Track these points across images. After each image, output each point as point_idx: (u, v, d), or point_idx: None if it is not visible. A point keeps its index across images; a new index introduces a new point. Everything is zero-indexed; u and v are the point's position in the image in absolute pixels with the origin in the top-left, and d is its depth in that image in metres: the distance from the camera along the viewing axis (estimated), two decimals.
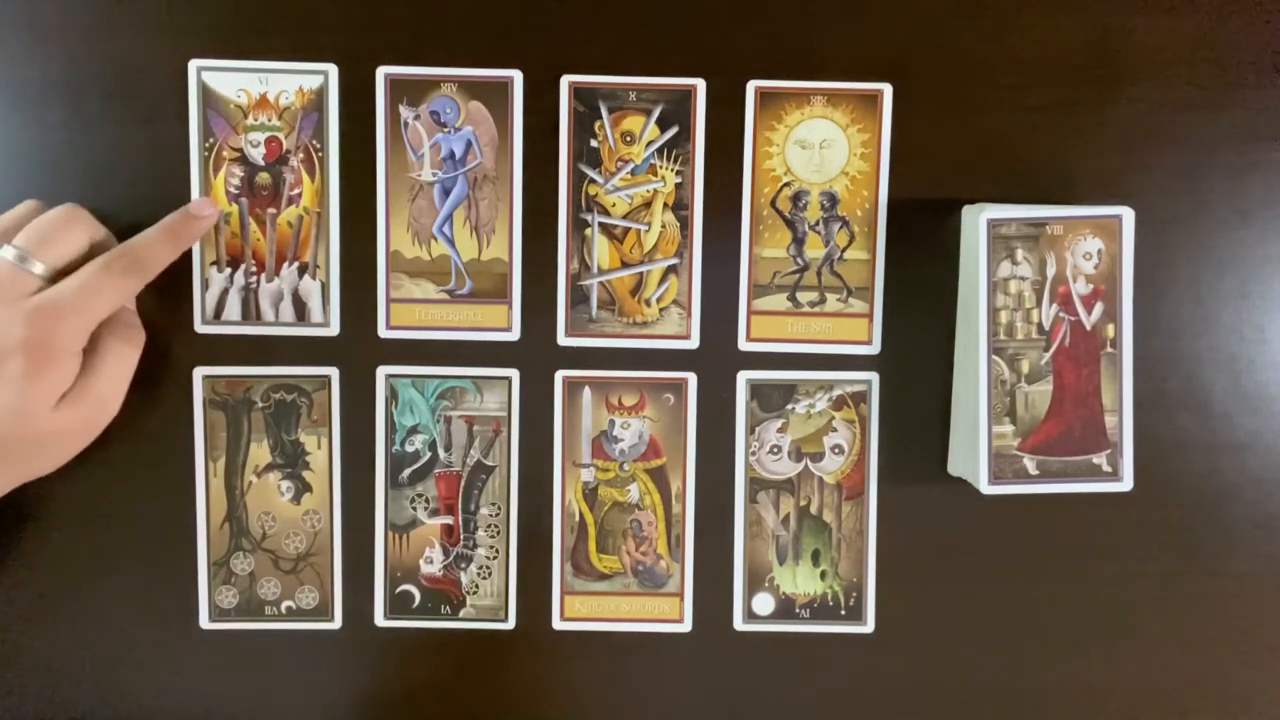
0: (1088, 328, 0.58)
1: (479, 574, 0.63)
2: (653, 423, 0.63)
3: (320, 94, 0.61)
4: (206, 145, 0.61)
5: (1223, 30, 0.61)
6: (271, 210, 0.61)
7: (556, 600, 0.63)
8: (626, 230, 0.62)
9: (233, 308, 0.61)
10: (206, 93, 0.60)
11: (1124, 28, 0.61)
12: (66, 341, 0.54)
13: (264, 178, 0.61)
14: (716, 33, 0.61)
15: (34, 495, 0.61)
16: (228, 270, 0.61)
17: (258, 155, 0.61)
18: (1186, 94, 0.61)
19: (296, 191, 0.61)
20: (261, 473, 0.62)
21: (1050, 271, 0.58)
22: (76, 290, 0.54)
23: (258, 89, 0.61)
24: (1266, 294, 0.62)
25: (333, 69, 0.60)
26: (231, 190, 0.61)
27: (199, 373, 0.62)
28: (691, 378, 0.62)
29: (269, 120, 0.61)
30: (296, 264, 0.62)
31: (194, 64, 0.60)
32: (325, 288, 0.62)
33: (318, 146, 0.61)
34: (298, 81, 0.61)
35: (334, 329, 0.62)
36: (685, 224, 0.62)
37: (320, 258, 0.61)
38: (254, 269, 0.61)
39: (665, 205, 0.62)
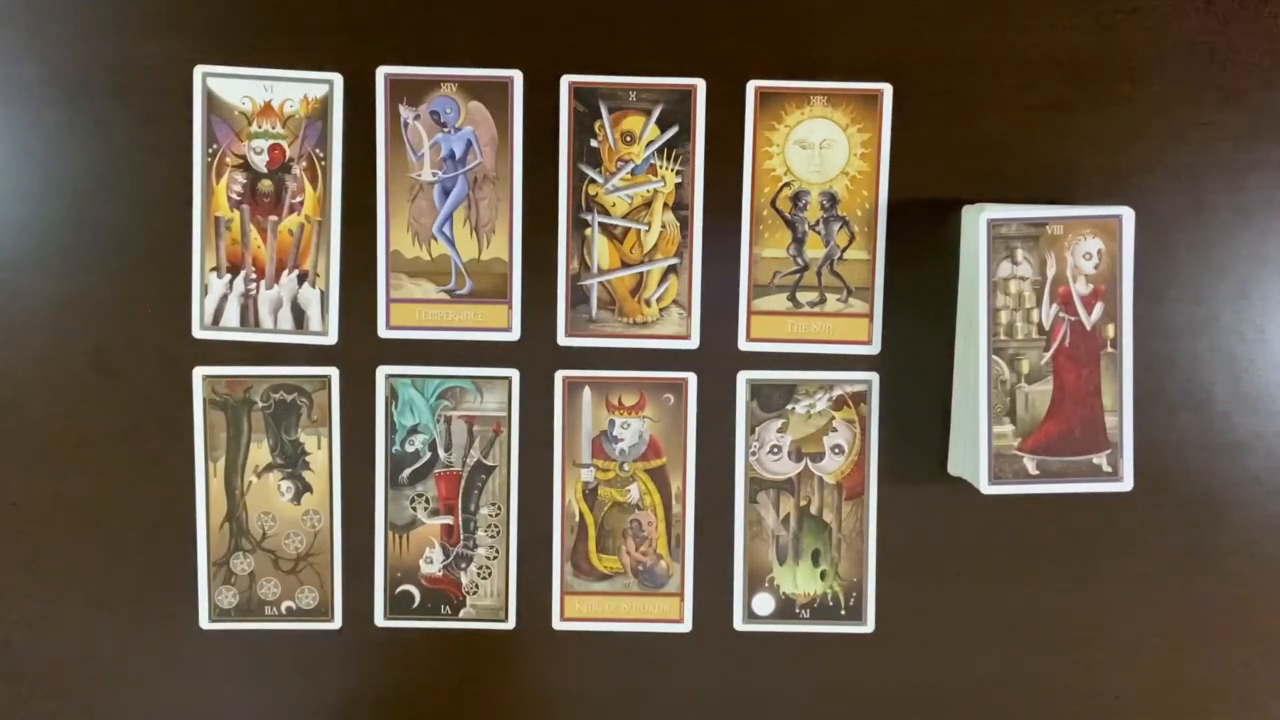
0: (1088, 328, 0.58)
1: (479, 574, 0.63)
2: (653, 423, 0.63)
3: (325, 103, 0.61)
4: (210, 151, 0.61)
5: (1223, 30, 0.61)
6: (273, 218, 0.61)
7: (556, 600, 0.63)
8: (626, 230, 0.62)
9: (231, 314, 0.61)
10: (211, 99, 0.60)
11: (1124, 28, 0.61)
12: None
13: (266, 185, 0.61)
14: (716, 33, 0.61)
15: (34, 495, 0.61)
16: (227, 276, 0.61)
17: (261, 162, 0.61)
18: (1186, 94, 0.61)
19: (298, 199, 0.61)
20: (261, 473, 0.62)
21: (1050, 271, 0.58)
22: None
23: (262, 96, 0.61)
24: (1266, 294, 0.62)
25: (338, 78, 0.60)
26: (233, 197, 0.61)
27: (199, 372, 0.62)
28: (691, 378, 0.62)
29: (273, 128, 0.61)
30: (296, 272, 0.62)
31: (199, 70, 0.60)
32: (324, 296, 0.61)
33: (320, 155, 0.61)
34: (303, 90, 0.61)
35: (332, 338, 0.62)
36: (685, 224, 0.62)
37: (320, 266, 0.61)
38: (254, 276, 0.61)
39: (665, 205, 0.62)
